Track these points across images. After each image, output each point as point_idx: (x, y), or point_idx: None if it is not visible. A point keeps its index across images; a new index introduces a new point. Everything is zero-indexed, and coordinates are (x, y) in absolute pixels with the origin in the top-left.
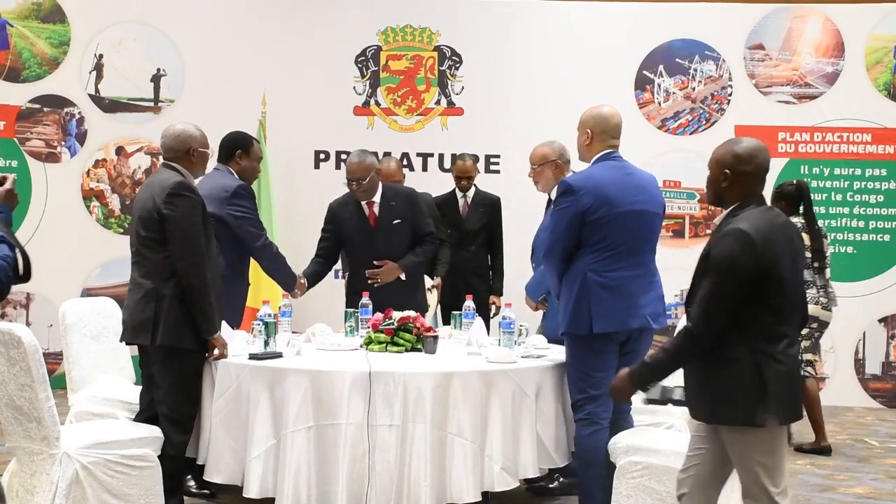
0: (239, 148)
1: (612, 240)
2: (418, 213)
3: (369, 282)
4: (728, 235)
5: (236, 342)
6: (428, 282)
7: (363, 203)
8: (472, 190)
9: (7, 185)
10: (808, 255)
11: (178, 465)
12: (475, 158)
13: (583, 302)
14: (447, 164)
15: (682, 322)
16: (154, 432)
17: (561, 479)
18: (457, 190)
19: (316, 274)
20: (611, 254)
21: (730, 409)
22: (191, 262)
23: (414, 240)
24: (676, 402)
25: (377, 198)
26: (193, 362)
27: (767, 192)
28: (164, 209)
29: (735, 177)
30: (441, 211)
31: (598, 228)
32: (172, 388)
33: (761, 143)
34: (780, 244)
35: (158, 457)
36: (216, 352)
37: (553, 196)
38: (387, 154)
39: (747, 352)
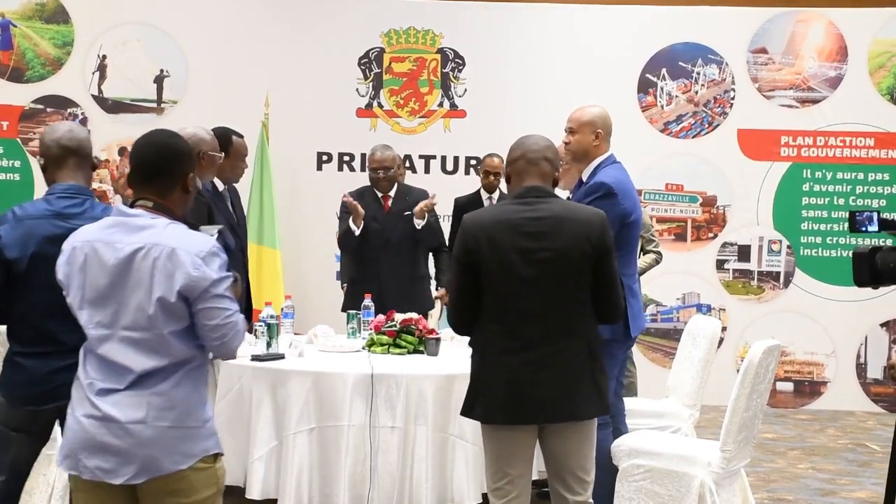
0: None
1: (633, 244)
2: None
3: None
4: None
5: None
6: (433, 291)
7: (379, 195)
8: (496, 193)
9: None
10: None
11: None
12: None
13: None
14: (449, 167)
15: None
16: None
17: None
18: (482, 191)
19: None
20: (629, 257)
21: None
22: None
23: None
24: None
25: (392, 192)
26: None
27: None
28: None
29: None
30: (466, 211)
31: (628, 232)
32: None
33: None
34: (494, 237)
35: None
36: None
37: (572, 194)
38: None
39: (476, 345)
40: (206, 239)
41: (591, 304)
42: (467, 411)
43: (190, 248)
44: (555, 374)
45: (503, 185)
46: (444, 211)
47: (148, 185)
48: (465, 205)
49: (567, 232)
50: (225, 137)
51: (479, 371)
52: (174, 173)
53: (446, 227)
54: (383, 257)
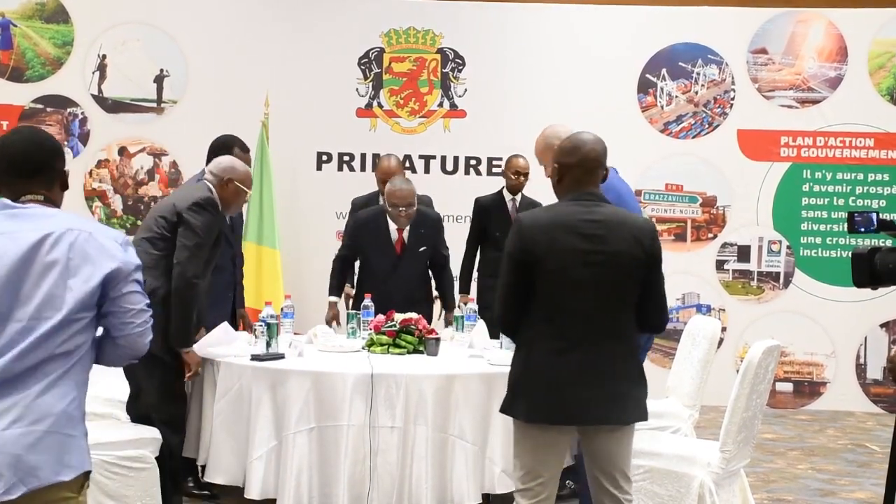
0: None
1: None
2: (440, 239)
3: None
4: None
5: (238, 343)
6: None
7: (394, 227)
8: (519, 195)
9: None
10: None
11: (176, 465)
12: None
13: None
14: (449, 167)
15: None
16: (152, 433)
17: (572, 486)
18: (505, 191)
19: (342, 286)
20: None
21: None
22: (190, 272)
23: (433, 261)
24: None
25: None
26: (174, 363)
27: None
28: (185, 213)
29: (561, 170)
30: (489, 213)
31: None
32: (158, 392)
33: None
34: (553, 237)
35: (156, 458)
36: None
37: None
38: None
39: (522, 343)
40: (114, 229)
41: (633, 309)
42: (507, 409)
43: (108, 234)
44: (599, 377)
45: (526, 190)
46: (448, 211)
47: (30, 181)
48: (488, 205)
49: (622, 235)
50: (227, 146)
51: (523, 370)
52: (56, 168)
53: (460, 227)
54: (392, 283)
